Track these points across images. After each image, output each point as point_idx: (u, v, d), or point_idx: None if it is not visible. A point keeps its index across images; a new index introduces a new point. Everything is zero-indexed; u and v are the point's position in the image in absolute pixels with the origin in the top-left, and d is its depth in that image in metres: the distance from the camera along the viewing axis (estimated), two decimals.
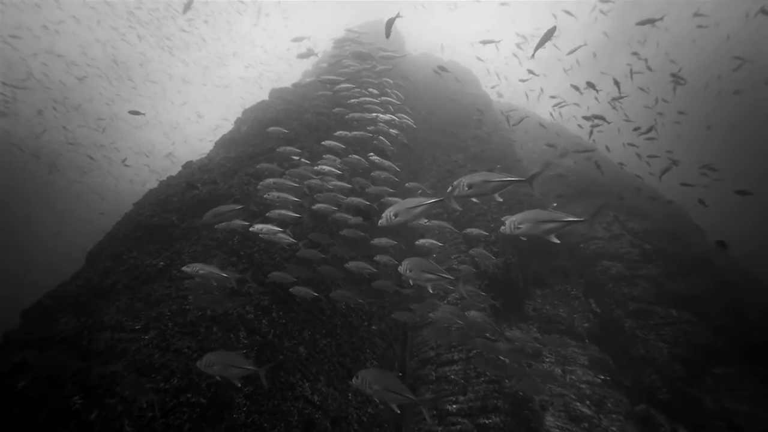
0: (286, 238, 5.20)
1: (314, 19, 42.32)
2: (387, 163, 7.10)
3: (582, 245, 11.49)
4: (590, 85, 10.93)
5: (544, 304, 10.45)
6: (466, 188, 3.30)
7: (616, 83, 11.47)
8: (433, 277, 3.97)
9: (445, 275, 3.93)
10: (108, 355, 4.63)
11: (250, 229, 5.14)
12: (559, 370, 8.28)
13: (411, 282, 4.07)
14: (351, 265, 5.61)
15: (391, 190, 6.59)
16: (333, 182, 6.30)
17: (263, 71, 42.29)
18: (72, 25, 30.54)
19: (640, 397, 7.62)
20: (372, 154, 7.20)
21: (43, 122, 29.20)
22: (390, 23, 6.90)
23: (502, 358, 6.79)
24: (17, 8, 27.12)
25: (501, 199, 3.39)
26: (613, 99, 11.37)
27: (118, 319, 5.05)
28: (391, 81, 10.13)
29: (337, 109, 8.29)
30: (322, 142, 7.22)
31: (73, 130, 32.76)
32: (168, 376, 4.41)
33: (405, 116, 8.53)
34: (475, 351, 6.88)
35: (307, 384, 5.64)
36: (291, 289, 4.96)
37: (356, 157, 7.04)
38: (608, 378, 8.08)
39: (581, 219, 3.09)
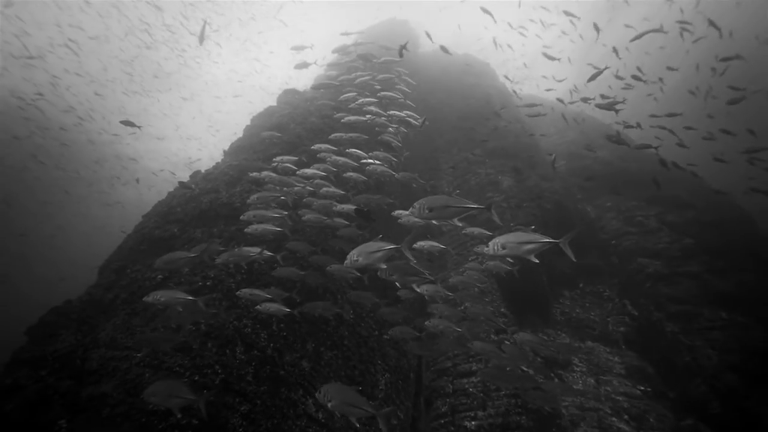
0: (263, 255, 4.95)
1: (330, 20, 42.56)
2: (383, 155, 6.76)
3: (614, 242, 10.59)
4: (608, 57, 9.96)
5: (574, 307, 9.67)
6: (427, 211, 3.43)
7: (638, 35, 10.42)
8: (416, 279, 4.06)
9: (425, 274, 4.03)
10: (100, 374, 4.46)
11: (217, 260, 4.93)
12: (593, 381, 7.55)
13: (398, 284, 4.11)
14: (333, 269, 5.27)
15: (375, 197, 6.23)
16: (324, 188, 5.98)
17: (283, 78, 42.93)
18: (93, 44, 32.33)
19: (687, 411, 6.80)
20: (371, 157, 6.86)
21: (70, 138, 30.99)
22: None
23: (524, 369, 6.21)
24: (43, 31, 29.06)
25: (461, 224, 3.62)
26: (627, 80, 10.31)
27: (113, 336, 4.90)
28: (403, 73, 9.91)
29: (337, 115, 8.09)
30: (312, 146, 6.96)
31: (100, 143, 34.53)
32: None
33: (410, 112, 8.17)
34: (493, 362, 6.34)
35: (310, 400, 5.30)
36: (258, 306, 4.67)
37: (355, 151, 6.74)
38: (649, 389, 7.27)
39: (556, 240, 3.32)
